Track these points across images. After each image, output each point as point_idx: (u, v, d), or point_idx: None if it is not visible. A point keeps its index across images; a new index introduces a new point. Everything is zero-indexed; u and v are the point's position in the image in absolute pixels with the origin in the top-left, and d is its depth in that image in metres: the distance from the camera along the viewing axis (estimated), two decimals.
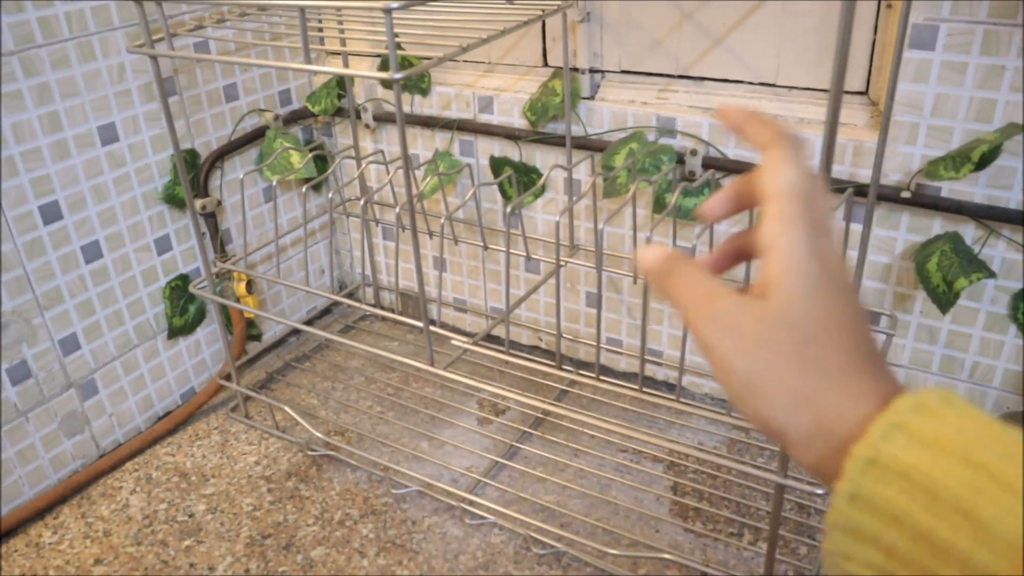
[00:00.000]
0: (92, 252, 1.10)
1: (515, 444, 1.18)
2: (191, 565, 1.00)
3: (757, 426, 0.32)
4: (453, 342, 0.97)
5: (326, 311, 1.54)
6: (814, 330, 0.31)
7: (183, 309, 1.24)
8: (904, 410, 0.28)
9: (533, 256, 1.24)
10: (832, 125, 0.60)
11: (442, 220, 1.01)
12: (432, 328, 0.94)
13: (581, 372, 1.29)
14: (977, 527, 0.25)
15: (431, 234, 1.33)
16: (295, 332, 1.48)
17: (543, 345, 1.38)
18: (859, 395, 0.30)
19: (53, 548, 1.03)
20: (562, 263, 1.12)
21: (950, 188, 0.96)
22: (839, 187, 0.98)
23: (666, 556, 0.93)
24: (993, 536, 0.25)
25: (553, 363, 1.09)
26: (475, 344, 0.97)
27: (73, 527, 1.06)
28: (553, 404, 0.95)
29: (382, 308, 1.01)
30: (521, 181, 1.23)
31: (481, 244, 1.24)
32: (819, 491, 0.79)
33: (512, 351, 1.06)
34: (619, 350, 1.30)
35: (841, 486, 0.28)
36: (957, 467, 0.27)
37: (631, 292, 1.24)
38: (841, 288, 0.32)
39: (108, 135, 1.08)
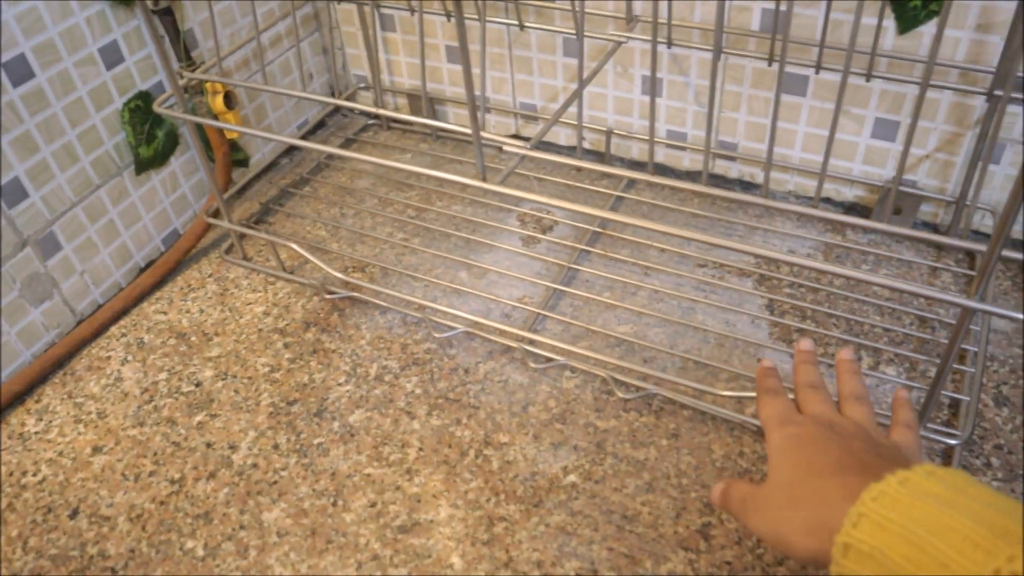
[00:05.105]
0: (19, 70, 0.85)
1: (572, 266, 0.99)
2: (208, 445, 0.83)
3: (779, 546, 0.48)
4: (507, 148, 0.75)
5: (320, 125, 1.30)
6: (789, 480, 0.50)
7: (150, 135, 1.00)
8: (867, 499, 0.42)
9: (587, 34, 0.99)
10: None
11: None
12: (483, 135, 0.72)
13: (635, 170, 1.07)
14: None
15: (448, 15, 1.07)
16: (287, 153, 1.24)
17: (587, 144, 1.16)
18: (844, 498, 0.44)
19: (41, 438, 0.86)
20: (622, 39, 0.88)
21: None
22: None
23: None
24: None
25: (602, 162, 0.88)
26: (531, 149, 0.75)
27: (60, 411, 0.89)
28: (610, 214, 0.73)
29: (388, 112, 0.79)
30: None
31: (515, 23, 0.99)
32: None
33: (555, 153, 0.84)
34: (682, 144, 1.08)
35: (832, 568, 0.42)
36: (904, 547, 0.38)
37: (700, 72, 1.00)
38: (811, 447, 0.52)
39: None
